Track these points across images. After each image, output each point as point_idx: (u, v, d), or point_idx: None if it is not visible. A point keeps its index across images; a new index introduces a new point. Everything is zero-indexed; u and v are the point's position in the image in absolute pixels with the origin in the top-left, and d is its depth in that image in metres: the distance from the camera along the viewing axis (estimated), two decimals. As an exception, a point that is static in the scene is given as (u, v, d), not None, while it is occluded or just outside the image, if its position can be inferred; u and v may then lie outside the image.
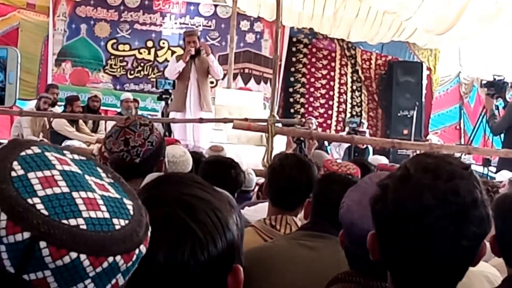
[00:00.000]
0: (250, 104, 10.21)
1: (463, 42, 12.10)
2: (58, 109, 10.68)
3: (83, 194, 0.87)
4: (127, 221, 0.89)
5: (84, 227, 0.84)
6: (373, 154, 10.70)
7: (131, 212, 0.91)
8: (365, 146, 10.78)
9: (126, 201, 0.93)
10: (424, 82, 13.43)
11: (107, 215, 0.87)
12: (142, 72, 13.31)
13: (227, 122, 8.36)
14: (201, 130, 8.83)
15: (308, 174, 3.04)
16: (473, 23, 9.98)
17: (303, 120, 11.63)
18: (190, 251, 1.14)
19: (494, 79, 8.54)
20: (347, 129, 11.55)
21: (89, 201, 0.86)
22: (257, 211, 3.68)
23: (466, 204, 1.35)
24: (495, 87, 8.44)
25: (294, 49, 14.06)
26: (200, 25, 13.26)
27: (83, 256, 0.82)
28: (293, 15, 12.23)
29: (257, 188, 5.31)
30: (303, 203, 2.95)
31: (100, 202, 0.88)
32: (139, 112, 11.76)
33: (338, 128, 13.79)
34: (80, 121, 9.92)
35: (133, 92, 12.47)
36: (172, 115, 8.95)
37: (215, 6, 13.51)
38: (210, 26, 13.38)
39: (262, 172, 6.79)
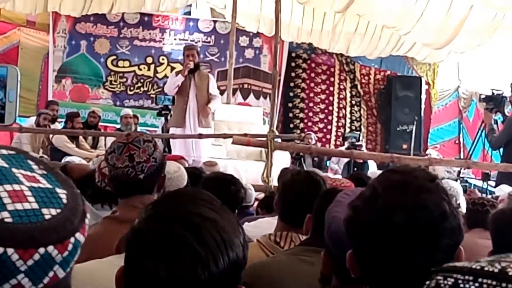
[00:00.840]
0: (250, 119, 10.21)
1: (461, 56, 12.13)
2: (58, 125, 10.70)
3: (8, 187, 0.85)
4: (59, 210, 0.87)
5: (10, 220, 0.81)
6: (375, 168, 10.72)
7: (64, 201, 0.89)
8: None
9: (58, 190, 0.91)
10: (423, 96, 13.45)
11: (35, 205, 0.85)
12: (142, 88, 13.35)
13: (227, 138, 8.35)
14: (202, 145, 8.81)
15: (317, 192, 3.04)
16: (472, 37, 10.02)
17: (302, 135, 11.64)
18: (190, 268, 1.14)
19: (493, 93, 8.55)
20: (346, 144, 11.56)
21: (15, 194, 0.85)
22: (257, 227, 3.68)
23: (435, 218, 1.37)
24: (494, 102, 8.44)
25: (293, 64, 14.10)
26: (199, 41, 13.31)
27: (10, 250, 0.80)
28: (292, 30, 12.28)
29: (256, 203, 5.31)
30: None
31: (28, 193, 0.86)
32: (139, 128, 11.77)
33: (338, 142, 13.80)
34: (80, 137, 9.94)
35: (133, 108, 12.49)
36: (172, 130, 8.94)
37: (214, 22, 13.57)
38: (209, 42, 13.43)
39: (262, 187, 6.81)
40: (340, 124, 14.19)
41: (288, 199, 3.09)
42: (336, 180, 3.75)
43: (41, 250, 0.83)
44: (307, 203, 3.00)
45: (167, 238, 1.17)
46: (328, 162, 11.84)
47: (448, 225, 1.37)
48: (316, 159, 11.12)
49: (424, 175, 1.45)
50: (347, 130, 13.91)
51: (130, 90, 13.31)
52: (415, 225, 1.35)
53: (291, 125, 14.03)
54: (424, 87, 13.50)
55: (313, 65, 14.21)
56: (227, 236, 1.19)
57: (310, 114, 14.18)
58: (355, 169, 10.43)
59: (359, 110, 14.22)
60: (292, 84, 14.14)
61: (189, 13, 13.92)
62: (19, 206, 0.84)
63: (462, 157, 12.64)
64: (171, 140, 8.90)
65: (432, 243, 1.36)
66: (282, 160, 8.50)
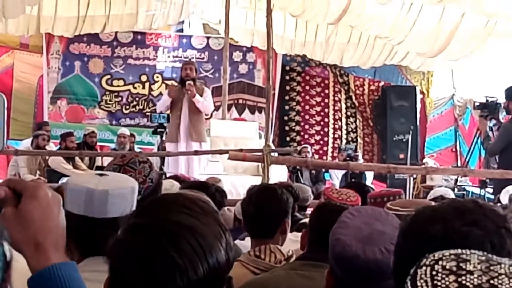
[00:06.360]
0: (245, 134, 10.20)
1: (455, 64, 12.15)
2: (53, 146, 10.70)
3: None
4: None
5: None
6: (373, 178, 10.72)
7: None
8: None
9: None
10: (418, 105, 13.46)
11: None
12: (137, 107, 13.35)
13: (223, 153, 8.35)
14: (193, 160, 8.81)
15: (276, 199, 3.05)
16: (464, 44, 10.04)
17: (298, 148, 11.64)
18: (169, 277, 1.17)
19: (487, 100, 8.56)
20: (344, 154, 11.54)
21: None
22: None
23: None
24: (488, 109, 8.45)
25: (287, 77, 14.11)
26: (193, 58, 13.29)
27: None
28: (286, 43, 12.33)
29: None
30: (279, 229, 2.99)
31: None
32: (136, 146, 11.76)
33: (335, 154, 13.78)
34: (77, 158, 9.94)
35: (129, 127, 12.52)
36: (167, 146, 8.96)
37: (208, 38, 13.60)
38: (203, 58, 13.45)
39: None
40: (336, 135, 14.18)
41: (250, 214, 3.10)
42: (342, 193, 3.67)
43: None
44: (269, 212, 3.03)
45: (146, 248, 1.19)
46: (327, 175, 11.83)
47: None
48: (313, 171, 11.12)
49: (499, 218, 1.38)
50: (344, 141, 13.91)
51: (126, 109, 13.31)
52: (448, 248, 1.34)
53: (288, 138, 14.03)
54: (418, 96, 13.51)
55: (307, 77, 14.23)
56: (206, 242, 1.22)
57: (306, 126, 14.18)
58: (352, 180, 10.43)
59: (355, 121, 14.22)
60: (287, 98, 14.14)
61: (181, 30, 13.94)
62: None
63: (459, 165, 12.64)
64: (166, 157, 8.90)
65: None
66: (279, 174, 8.49)
